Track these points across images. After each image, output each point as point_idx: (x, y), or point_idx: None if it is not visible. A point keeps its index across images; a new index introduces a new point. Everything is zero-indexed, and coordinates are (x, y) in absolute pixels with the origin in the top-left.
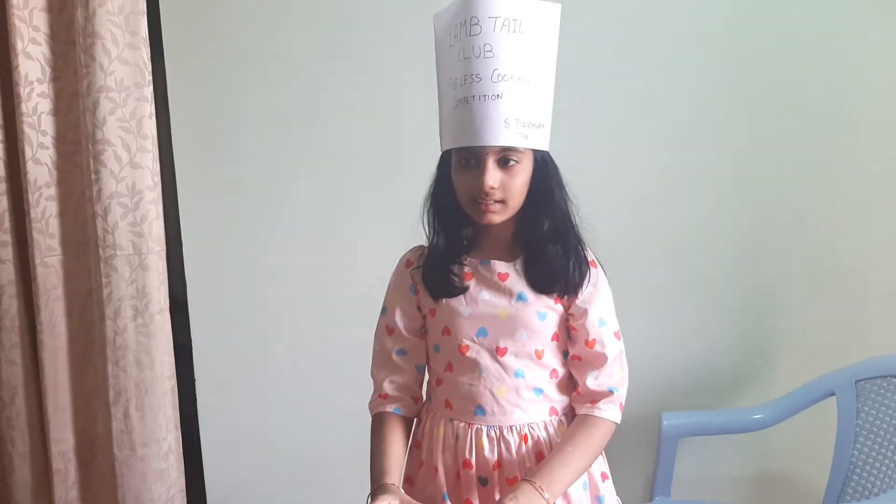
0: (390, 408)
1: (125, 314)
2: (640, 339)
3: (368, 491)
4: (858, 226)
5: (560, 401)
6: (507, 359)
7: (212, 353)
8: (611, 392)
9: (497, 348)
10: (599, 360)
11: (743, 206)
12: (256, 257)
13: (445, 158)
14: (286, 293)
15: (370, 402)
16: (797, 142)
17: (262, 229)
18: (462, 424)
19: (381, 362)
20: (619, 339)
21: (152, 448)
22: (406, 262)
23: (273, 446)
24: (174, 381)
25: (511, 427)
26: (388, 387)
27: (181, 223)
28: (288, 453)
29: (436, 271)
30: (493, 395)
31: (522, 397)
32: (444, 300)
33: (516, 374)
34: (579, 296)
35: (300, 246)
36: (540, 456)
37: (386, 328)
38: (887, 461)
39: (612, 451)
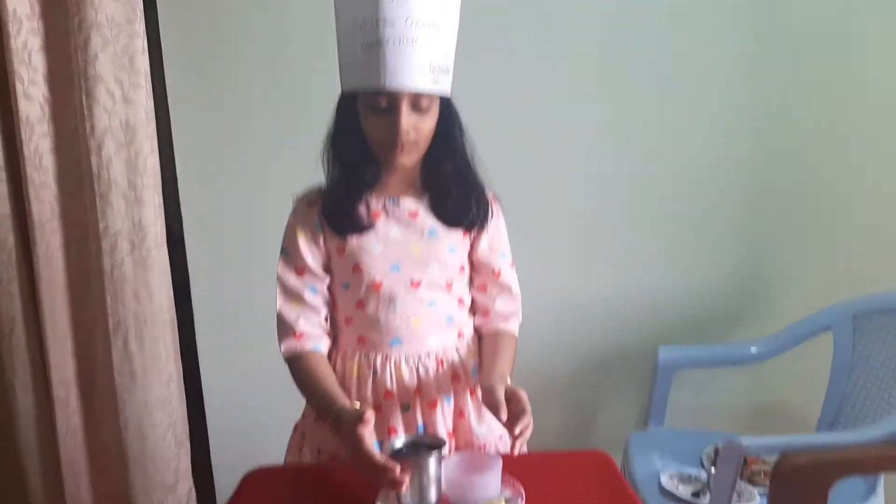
0: (310, 346)
1: (122, 248)
2: (640, 275)
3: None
4: (860, 165)
5: (465, 324)
6: (421, 291)
7: (209, 289)
8: (516, 313)
9: (411, 282)
10: (504, 288)
11: (745, 144)
12: (252, 194)
13: (347, 99)
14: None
15: (284, 344)
16: (800, 74)
17: (257, 167)
18: (379, 357)
19: (291, 303)
20: (513, 268)
21: (153, 377)
22: (308, 203)
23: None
24: (173, 314)
25: (428, 353)
26: (303, 325)
27: (176, 159)
28: (285, 385)
29: (340, 208)
30: (409, 325)
31: (436, 325)
32: (353, 239)
33: (430, 304)
34: (485, 230)
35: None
36: (455, 377)
37: (294, 270)
38: (881, 393)
39: (608, 381)
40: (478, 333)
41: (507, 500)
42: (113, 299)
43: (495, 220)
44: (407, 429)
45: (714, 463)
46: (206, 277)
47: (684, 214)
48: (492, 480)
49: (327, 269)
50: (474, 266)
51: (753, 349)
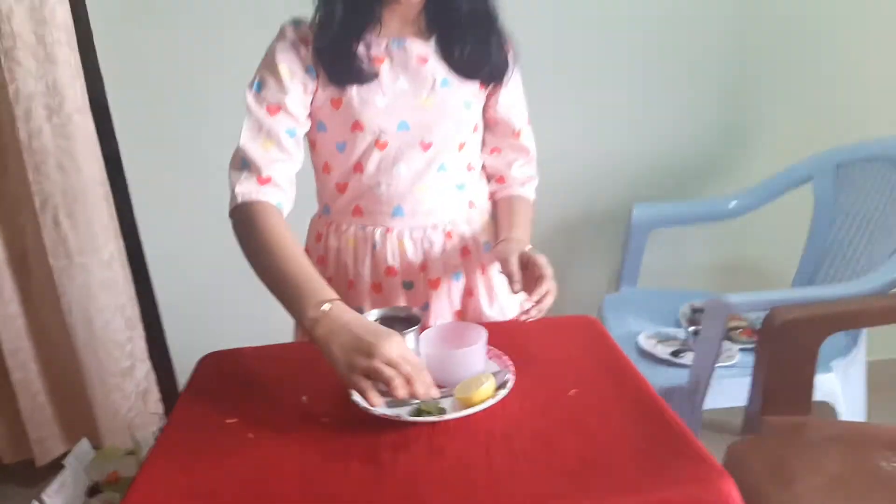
0: (274, 199)
1: (38, 114)
2: (614, 129)
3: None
4: (846, 15)
5: (478, 193)
6: (430, 153)
7: (142, 162)
8: (534, 177)
9: (421, 142)
10: (524, 151)
11: None
12: (181, 47)
13: None
14: (218, 81)
15: (240, 186)
16: None
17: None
18: (379, 230)
19: (261, 140)
20: (530, 125)
21: (92, 258)
22: (300, 36)
23: (223, 250)
24: (107, 188)
25: (434, 225)
26: (274, 170)
27: (89, 16)
28: (233, 257)
29: (336, 52)
30: (414, 193)
31: (444, 193)
32: (353, 90)
33: (439, 169)
34: (504, 84)
35: (239, 24)
36: (465, 252)
37: (268, 107)
38: (864, 246)
39: (580, 242)
40: (491, 201)
41: (493, 375)
42: (35, 173)
43: (516, 74)
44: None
45: (692, 321)
46: (139, 147)
47: (662, 66)
48: (476, 354)
49: (309, 116)
50: (490, 125)
51: (732, 203)
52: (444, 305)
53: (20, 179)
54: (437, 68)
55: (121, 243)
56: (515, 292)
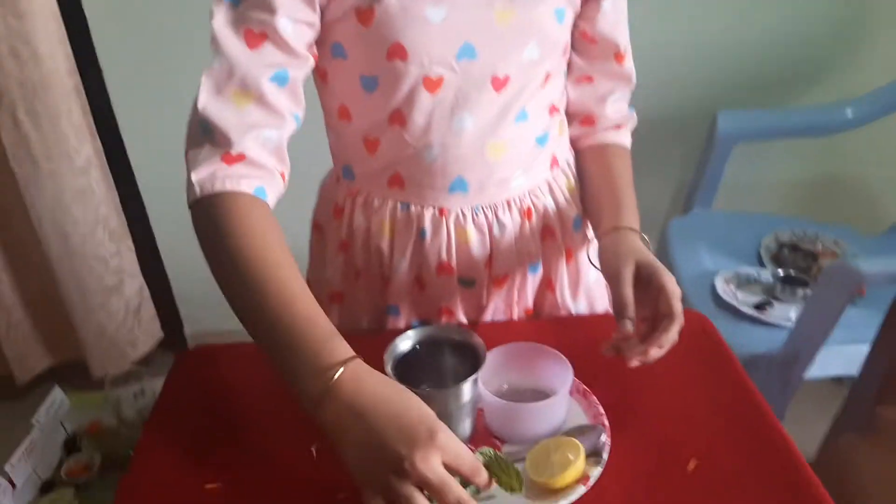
0: (250, 185)
1: None
2: (693, 24)
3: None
4: None
5: (561, 145)
6: (507, 94)
7: (119, 46)
8: (631, 113)
9: (493, 78)
10: (625, 80)
11: None
12: None
13: None
14: None
15: (197, 171)
16: None
17: None
18: (429, 212)
19: (231, 91)
20: None
21: (62, 163)
22: None
23: None
24: (77, 79)
25: (509, 202)
26: (249, 142)
27: None
28: None
29: None
30: (483, 155)
31: (524, 151)
32: None
33: (519, 118)
34: None
35: None
36: (547, 232)
37: (246, 34)
38: None
39: (648, 150)
40: (573, 151)
41: (581, 438)
42: None
43: None
44: (468, 311)
45: (777, 259)
46: (115, 28)
47: None
48: (557, 407)
49: (316, 43)
50: (581, 45)
51: (843, 112)
52: (511, 305)
53: None
54: None
55: (98, 145)
56: (624, 332)
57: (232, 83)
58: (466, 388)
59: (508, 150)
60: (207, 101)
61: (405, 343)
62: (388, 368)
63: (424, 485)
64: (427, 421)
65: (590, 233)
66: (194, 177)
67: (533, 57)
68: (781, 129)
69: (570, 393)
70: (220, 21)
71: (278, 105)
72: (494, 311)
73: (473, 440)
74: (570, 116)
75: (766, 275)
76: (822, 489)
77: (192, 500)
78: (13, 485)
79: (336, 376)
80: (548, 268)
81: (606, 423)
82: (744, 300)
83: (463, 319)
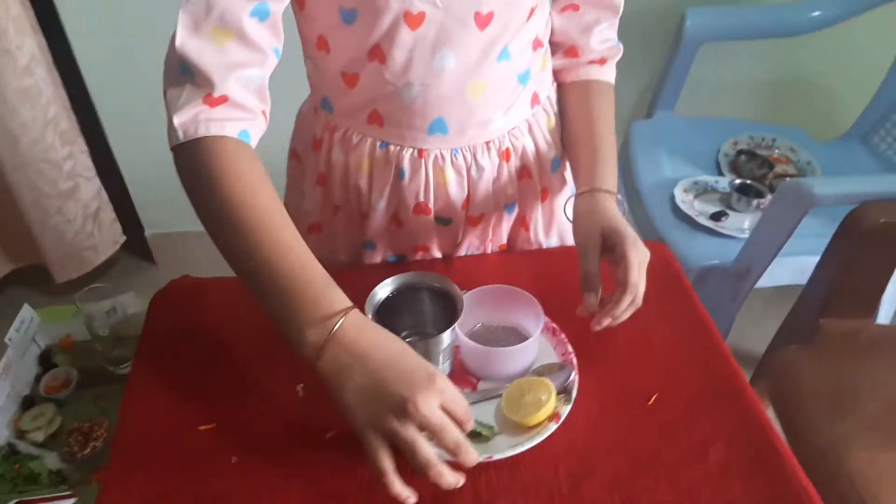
0: (235, 129)
1: None
2: None
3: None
4: None
5: (543, 81)
6: (490, 32)
7: None
8: (617, 46)
9: (476, 15)
10: (612, 9)
11: None
12: None
13: None
14: None
15: (177, 111)
16: None
17: None
18: (408, 153)
19: (209, 28)
20: None
21: (4, 60)
22: None
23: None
24: None
25: (488, 143)
26: (233, 81)
27: None
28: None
29: None
30: (463, 98)
31: (505, 91)
32: None
33: (500, 57)
34: None
35: None
36: (524, 172)
37: None
38: None
39: None
40: (556, 80)
41: (550, 376)
42: None
43: None
44: (443, 247)
45: (734, 167)
46: None
47: None
48: (529, 350)
49: None
50: None
51: (815, 13)
52: (485, 241)
53: None
54: None
55: (41, 40)
56: (587, 305)
57: (210, 19)
58: (446, 336)
59: (489, 90)
60: (185, 39)
61: (384, 290)
62: (369, 316)
63: (425, 426)
64: (425, 365)
65: (567, 176)
66: (176, 120)
67: None
68: (748, 28)
69: (542, 331)
70: None
71: (259, 41)
72: (468, 247)
73: (451, 378)
74: (554, 46)
75: (723, 183)
76: (763, 412)
77: (185, 442)
78: None
79: (338, 325)
80: (523, 207)
81: (574, 360)
82: (701, 210)
83: (438, 255)
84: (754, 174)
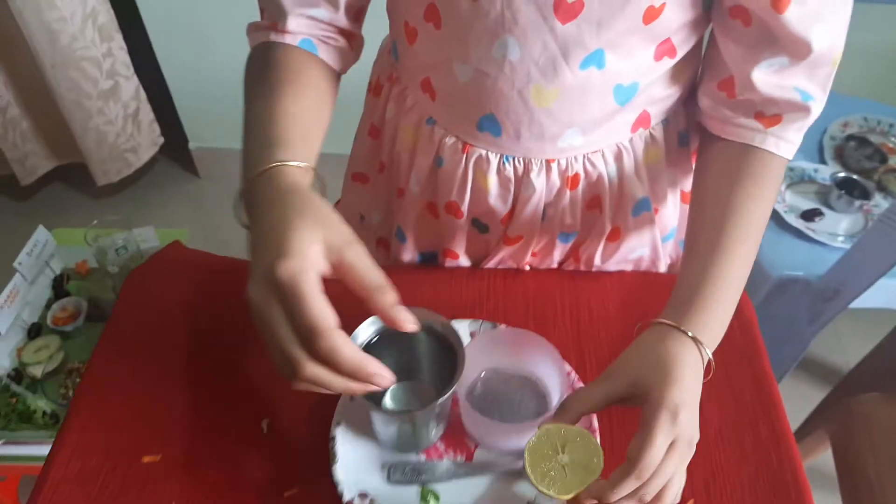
0: (294, 39)
1: None
2: None
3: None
4: None
5: (663, 100)
6: (579, 27)
7: None
8: (804, 103)
9: (560, 2)
10: (795, 45)
11: None
12: None
13: None
14: None
15: (250, 34)
16: None
17: None
18: (451, 140)
19: None
20: None
21: None
22: None
23: None
24: None
25: (549, 164)
26: (300, 16)
27: None
28: None
29: None
30: (525, 100)
31: (590, 106)
32: None
33: (588, 62)
34: None
35: None
36: (594, 203)
37: None
38: None
39: None
40: (702, 126)
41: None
42: None
43: None
44: (473, 255)
45: (841, 155)
46: None
47: None
48: (542, 421)
49: None
50: None
51: None
52: (521, 262)
53: None
54: None
55: None
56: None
57: None
58: (441, 402)
59: (563, 100)
60: None
61: (364, 331)
62: None
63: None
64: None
65: (662, 219)
66: (250, 32)
67: None
68: None
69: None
70: None
71: None
72: (499, 263)
73: (445, 439)
74: (707, 70)
75: (823, 173)
76: None
77: (123, 474)
78: None
79: (273, 168)
80: (582, 238)
81: (596, 426)
82: (792, 205)
83: (466, 262)
84: (862, 166)
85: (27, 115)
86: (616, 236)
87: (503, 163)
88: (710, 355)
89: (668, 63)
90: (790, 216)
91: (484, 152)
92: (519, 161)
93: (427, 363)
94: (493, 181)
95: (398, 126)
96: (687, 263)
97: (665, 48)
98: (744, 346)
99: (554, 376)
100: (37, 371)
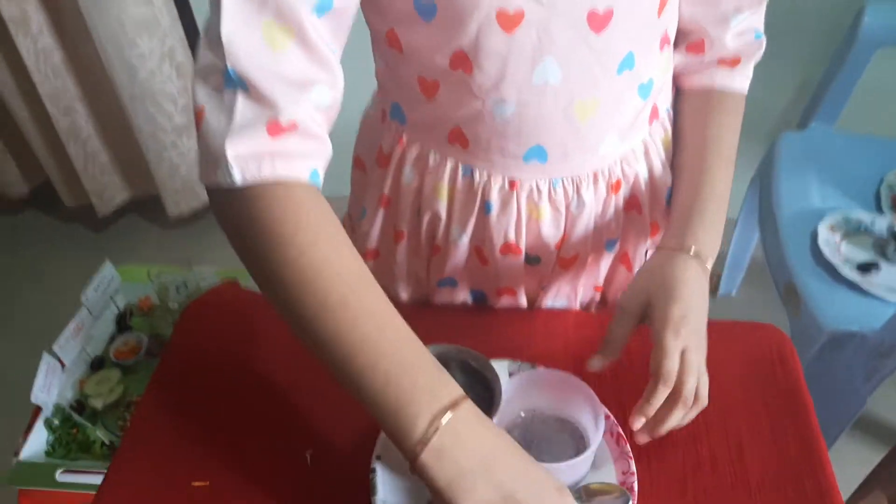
0: (306, 169)
1: None
2: None
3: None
4: None
5: (663, 89)
6: (607, 36)
7: None
8: (758, 40)
9: (591, 13)
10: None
11: None
12: None
13: None
14: None
15: (230, 138)
16: None
17: None
18: (498, 183)
19: (263, 25)
20: None
21: None
22: None
23: None
24: None
25: (596, 174)
26: (304, 104)
27: None
28: None
29: None
30: (570, 118)
31: (624, 108)
32: None
33: (623, 66)
34: None
35: None
36: (632, 204)
37: None
38: None
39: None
40: (674, 84)
41: (600, 493)
42: None
43: None
44: (529, 289)
45: None
46: None
47: None
48: (582, 465)
49: None
50: None
51: None
52: (577, 286)
53: None
54: None
55: None
56: (590, 367)
57: (265, 14)
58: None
59: (603, 108)
60: (232, 29)
61: None
62: None
63: None
64: (552, 478)
65: None
66: (230, 151)
67: None
68: None
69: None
70: None
71: (324, 50)
72: (557, 292)
73: None
74: (678, 38)
75: (880, 224)
76: None
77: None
78: (62, 364)
79: (447, 419)
80: (625, 243)
81: (636, 485)
82: (847, 256)
83: (524, 301)
84: None
85: (106, 148)
86: (655, 231)
87: (553, 188)
88: (710, 265)
89: (668, 52)
90: (845, 268)
91: (534, 182)
92: (568, 181)
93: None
94: (545, 209)
95: (423, 188)
96: (679, 191)
97: (664, 38)
98: (789, 398)
99: (591, 419)
100: (98, 403)
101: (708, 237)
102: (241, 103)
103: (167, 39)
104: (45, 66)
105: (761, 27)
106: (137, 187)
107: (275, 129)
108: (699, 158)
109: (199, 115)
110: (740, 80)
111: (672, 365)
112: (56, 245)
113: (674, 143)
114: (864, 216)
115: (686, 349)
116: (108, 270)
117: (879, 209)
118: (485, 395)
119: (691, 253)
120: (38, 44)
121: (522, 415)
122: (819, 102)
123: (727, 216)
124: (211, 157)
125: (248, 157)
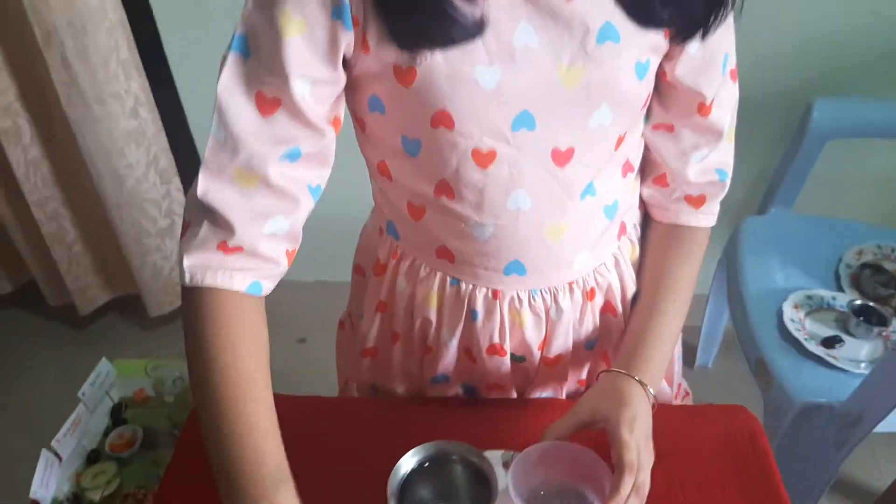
0: (244, 282)
1: None
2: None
3: None
4: None
5: (630, 208)
6: (571, 169)
7: None
8: (722, 182)
9: (554, 151)
10: (714, 134)
11: None
12: None
13: None
14: None
15: (192, 252)
16: None
17: None
18: (482, 293)
19: (234, 173)
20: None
21: (112, 104)
22: None
23: None
24: (122, 16)
25: (571, 284)
26: (254, 231)
27: None
28: None
29: None
30: (542, 237)
31: (591, 229)
32: (434, 56)
33: (585, 194)
34: (710, 29)
35: None
36: (607, 308)
37: (258, 96)
38: None
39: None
40: (640, 213)
41: None
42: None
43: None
44: (518, 384)
45: (857, 282)
46: None
47: None
48: None
49: (336, 107)
50: (661, 87)
51: None
52: (562, 381)
53: (15, 9)
54: (592, 8)
55: (145, 83)
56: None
57: (236, 162)
58: None
59: (572, 230)
60: (208, 185)
61: (411, 461)
62: (392, 490)
63: None
64: None
65: None
66: (186, 261)
67: (604, 121)
68: (886, 125)
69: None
70: (229, 78)
71: (288, 188)
72: (544, 385)
73: None
74: (645, 170)
75: (841, 301)
76: None
77: None
78: (59, 458)
79: None
80: (603, 343)
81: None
82: (812, 332)
83: (513, 394)
84: (878, 293)
85: (89, 251)
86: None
87: (532, 297)
88: (653, 393)
89: (630, 177)
90: (811, 344)
91: (515, 293)
92: (546, 291)
93: (465, 491)
94: (527, 316)
95: (415, 295)
96: (631, 321)
97: (627, 166)
98: (759, 472)
99: (601, 486)
100: (94, 496)
101: (652, 372)
102: (206, 226)
103: (152, 147)
104: (35, 175)
105: (727, 164)
106: (119, 288)
107: (224, 248)
108: (652, 296)
109: (180, 237)
110: (705, 219)
111: (633, 456)
112: (38, 342)
113: (638, 272)
114: (825, 294)
115: (639, 443)
116: (104, 366)
117: (839, 287)
118: (484, 486)
119: (636, 378)
120: (28, 154)
121: (542, 493)
122: (777, 189)
123: (698, 292)
124: (179, 266)
125: (196, 267)
